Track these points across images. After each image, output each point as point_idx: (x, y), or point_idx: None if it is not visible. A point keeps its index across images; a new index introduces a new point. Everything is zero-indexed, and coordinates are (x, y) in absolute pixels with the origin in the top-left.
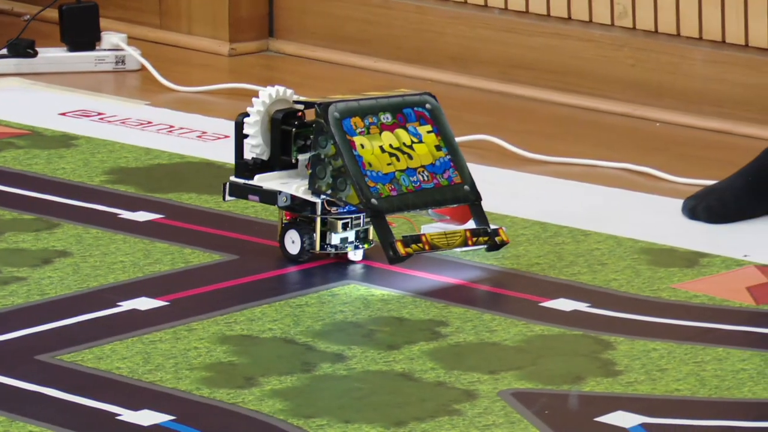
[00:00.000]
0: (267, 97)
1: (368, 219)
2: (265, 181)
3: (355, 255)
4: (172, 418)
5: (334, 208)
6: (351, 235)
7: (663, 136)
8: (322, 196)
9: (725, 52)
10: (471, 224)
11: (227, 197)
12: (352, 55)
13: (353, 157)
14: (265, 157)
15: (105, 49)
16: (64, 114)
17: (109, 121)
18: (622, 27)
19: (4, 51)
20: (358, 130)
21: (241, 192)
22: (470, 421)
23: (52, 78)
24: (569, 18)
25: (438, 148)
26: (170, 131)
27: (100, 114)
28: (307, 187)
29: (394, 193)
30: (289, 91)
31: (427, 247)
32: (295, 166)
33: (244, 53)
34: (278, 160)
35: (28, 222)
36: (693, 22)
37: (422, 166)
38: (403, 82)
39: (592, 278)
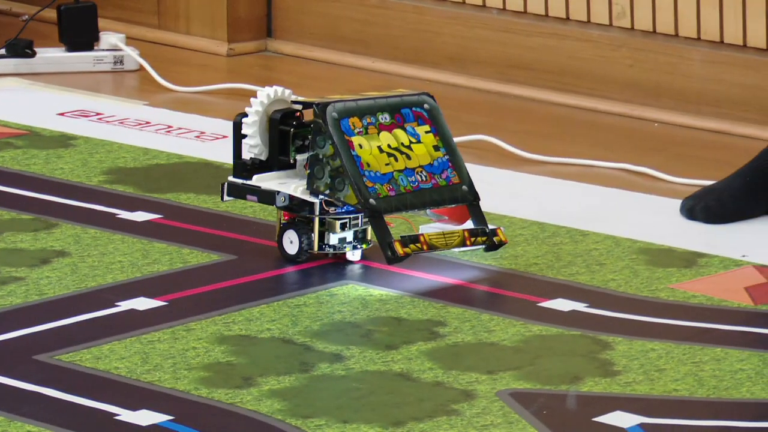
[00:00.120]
0: (265, 97)
1: (366, 219)
2: (263, 181)
3: (354, 255)
4: (171, 418)
5: (333, 209)
6: (349, 235)
7: (661, 137)
8: (321, 196)
9: (723, 52)
10: (469, 224)
11: (225, 197)
12: (350, 55)
13: (351, 157)
14: (263, 158)
15: (103, 50)
16: (62, 114)
17: (108, 121)
18: (621, 27)
19: (3, 51)
20: (356, 131)
21: (239, 192)
22: (468, 421)
23: (50, 78)
24: (567, 18)
25: (436, 148)
26: (168, 131)
27: (98, 114)
28: (306, 187)
29: (392, 194)
30: (287, 92)
31: (425, 247)
32: (293, 166)
33: (242, 53)
34: (276, 160)
35: (27, 222)
36: (691, 23)
37: (420, 167)
38: (401, 82)
39: (590, 278)
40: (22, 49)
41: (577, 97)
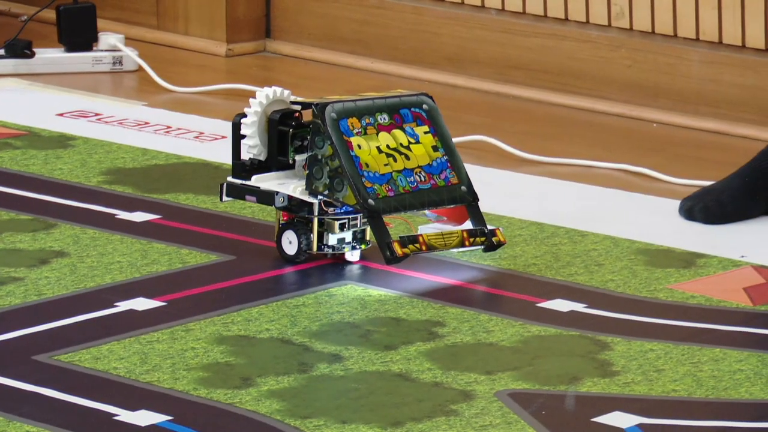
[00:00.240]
0: (264, 97)
1: (365, 219)
2: (262, 181)
3: (352, 255)
4: (169, 418)
5: (331, 209)
6: (348, 235)
7: (660, 137)
8: (319, 197)
9: (722, 53)
10: (468, 225)
11: (224, 198)
12: (349, 55)
13: (350, 157)
14: (262, 158)
15: (102, 50)
16: (61, 114)
17: (107, 122)
18: (619, 28)
19: (2, 52)
20: (355, 131)
21: (238, 192)
22: (467, 421)
23: (49, 78)
24: (566, 19)
25: (435, 148)
26: (167, 132)
27: (97, 114)
28: (304, 187)
29: (391, 194)
30: (286, 92)
31: (424, 248)
32: (292, 166)
33: (241, 54)
34: (275, 160)
35: (25, 222)
36: (690, 23)
37: (419, 167)
38: (400, 82)
39: (588, 279)
40: (21, 49)
41: (576, 97)
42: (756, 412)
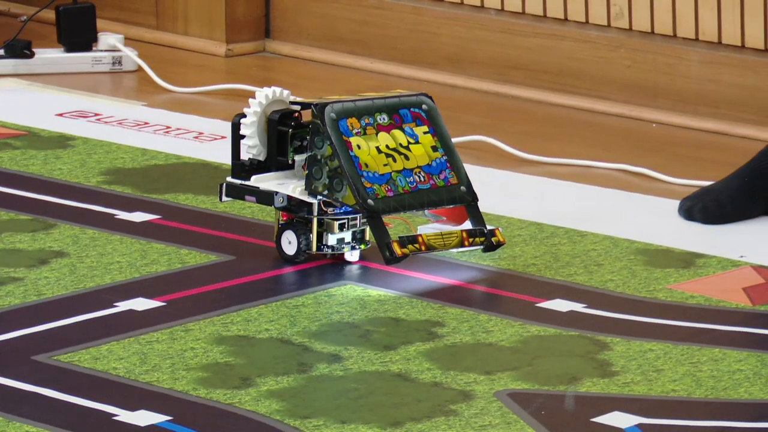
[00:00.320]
0: (263, 97)
1: (364, 220)
2: (261, 181)
3: (352, 256)
4: (169, 418)
5: (331, 209)
6: (347, 235)
7: (659, 137)
8: (319, 197)
9: (721, 53)
10: (467, 225)
11: (224, 198)
12: (348, 55)
13: (349, 157)
14: (261, 158)
15: (102, 50)
16: (60, 115)
17: (106, 122)
18: (619, 28)
19: (1, 52)
20: (354, 131)
21: (237, 193)
22: (466, 421)
23: (48, 79)
24: (566, 19)
25: (434, 148)
26: (167, 132)
27: (96, 115)
28: (304, 187)
29: (390, 194)
30: (285, 92)
31: (423, 248)
32: (291, 166)
33: (240, 54)
34: (275, 160)
35: (25, 222)
36: (689, 23)
37: (418, 167)
38: (399, 82)
39: (588, 279)
40: (20, 49)
41: (576, 97)
42: (755, 412)
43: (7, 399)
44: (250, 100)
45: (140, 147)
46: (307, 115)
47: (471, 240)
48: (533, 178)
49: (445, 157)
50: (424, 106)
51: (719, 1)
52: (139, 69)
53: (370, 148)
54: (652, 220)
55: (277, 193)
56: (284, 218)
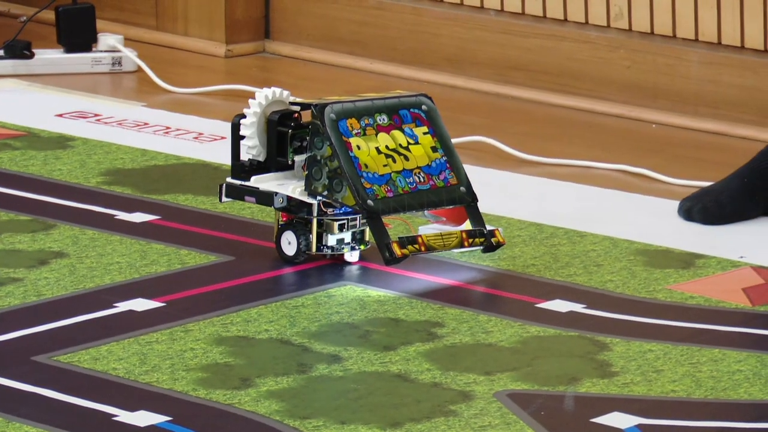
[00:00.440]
0: (263, 98)
1: (364, 220)
2: (261, 182)
3: (351, 256)
4: (169, 419)
5: (330, 210)
6: (347, 236)
7: (659, 138)
8: (318, 198)
9: (721, 53)
10: (467, 225)
11: (223, 198)
12: (348, 56)
13: (349, 158)
14: (261, 159)
15: (101, 51)
16: (60, 115)
17: (106, 123)
18: (618, 28)
19: (1, 52)
20: (354, 132)
21: (237, 193)
22: (466, 422)
23: (48, 79)
24: (565, 19)
25: (434, 149)
26: (167, 132)
27: (96, 115)
28: (304, 188)
29: (389, 195)
30: (285, 93)
31: (423, 249)
32: (291, 167)
33: (240, 55)
34: (274, 161)
35: (25, 223)
36: (689, 24)
37: (418, 168)
38: (399, 83)
39: (587, 279)
40: (20, 50)
41: (575, 98)
42: (755, 413)
43: (7, 399)
44: (250, 100)
45: (140, 147)
46: (306, 116)
47: (471, 240)
48: (533, 178)
49: (444, 158)
50: (423, 107)
51: (719, 1)
52: (139, 69)
53: (369, 148)
54: (652, 220)
55: (276, 193)
56: (284, 219)
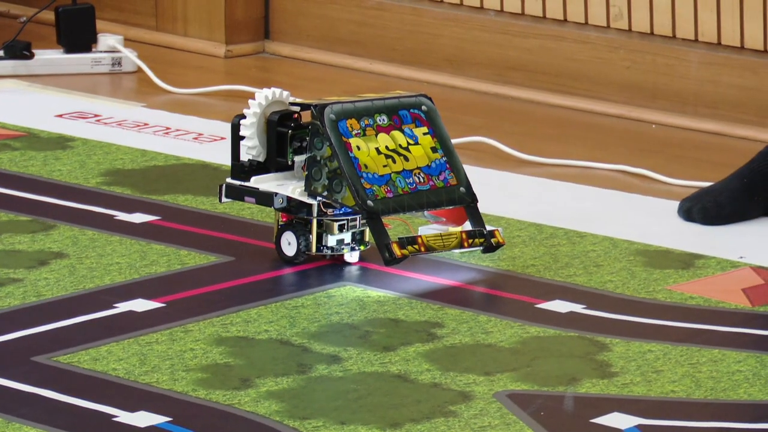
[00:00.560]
0: (263, 98)
1: (364, 221)
2: (261, 182)
3: (351, 257)
4: (168, 419)
5: (330, 210)
6: (347, 236)
7: (658, 138)
8: (318, 198)
9: (721, 54)
10: (467, 226)
11: (223, 199)
12: (348, 57)
13: (349, 158)
14: (261, 159)
15: (101, 51)
16: (60, 116)
17: (106, 123)
18: (618, 29)
19: (1, 53)
20: (353, 132)
21: (237, 194)
22: (466, 422)
23: (48, 80)
24: (565, 20)
25: (433, 149)
26: (166, 133)
27: (96, 116)
28: (303, 188)
29: (389, 195)
30: (285, 93)
31: (422, 249)
32: (291, 167)
33: (239, 55)
34: (274, 161)
35: (24, 223)
36: (689, 24)
37: (418, 168)
38: (399, 83)
39: (587, 280)
40: (20, 50)
41: (575, 98)
42: (754, 413)
43: (7, 400)
44: (250, 101)
45: (140, 148)
46: (306, 116)
47: (470, 241)
48: (532, 179)
49: (444, 158)
50: (423, 107)
51: (718, 2)
52: (139, 70)
53: (369, 149)
54: (652, 220)
55: (276, 194)
56: (284, 219)
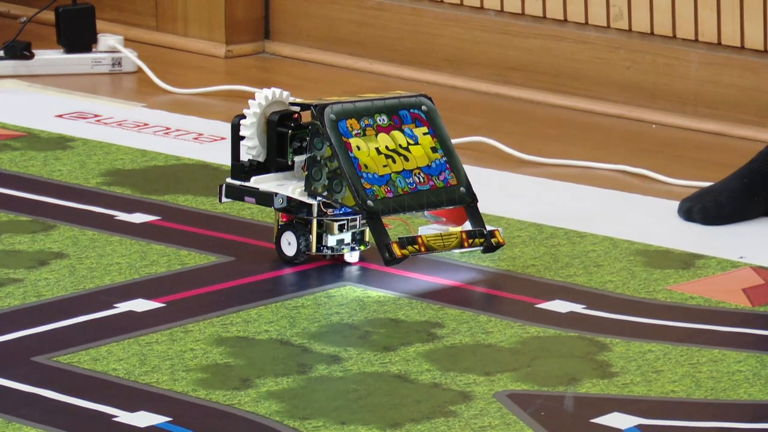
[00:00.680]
0: (263, 98)
1: (364, 221)
2: (261, 182)
3: (351, 257)
4: (168, 419)
5: (330, 210)
6: (347, 236)
7: (659, 138)
8: (318, 198)
9: (721, 54)
10: (467, 226)
11: (223, 199)
12: (348, 57)
13: (349, 158)
14: (261, 159)
15: (101, 51)
16: (60, 116)
17: (106, 123)
18: (618, 29)
19: (1, 53)
20: (353, 132)
21: (237, 194)
22: (466, 422)
23: (48, 80)
24: (565, 20)
25: (434, 149)
26: (166, 133)
27: (96, 116)
28: (303, 188)
29: (389, 195)
30: (285, 93)
31: (422, 249)
32: (291, 167)
33: (240, 55)
34: (274, 162)
35: (25, 223)
36: (689, 24)
37: (418, 168)
38: (399, 84)
39: (587, 280)
40: (20, 50)
41: (575, 98)
42: (755, 413)
43: (7, 400)
44: (250, 101)
45: (140, 148)
46: (306, 117)
47: (470, 241)
48: (533, 179)
49: (444, 158)
50: (423, 107)
51: (719, 2)
52: (139, 70)
53: (369, 149)
54: (652, 221)
55: (276, 194)
56: (284, 219)
